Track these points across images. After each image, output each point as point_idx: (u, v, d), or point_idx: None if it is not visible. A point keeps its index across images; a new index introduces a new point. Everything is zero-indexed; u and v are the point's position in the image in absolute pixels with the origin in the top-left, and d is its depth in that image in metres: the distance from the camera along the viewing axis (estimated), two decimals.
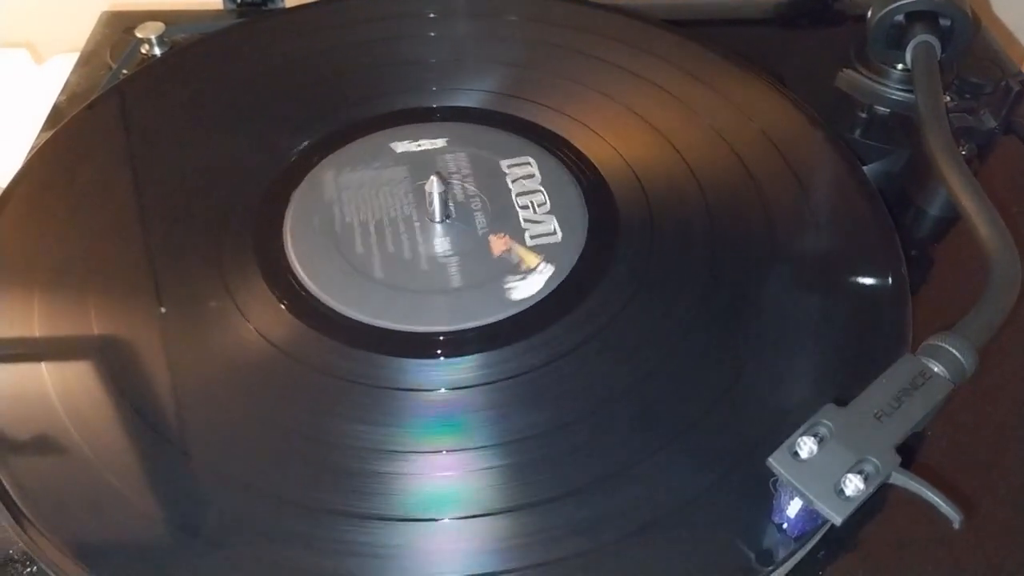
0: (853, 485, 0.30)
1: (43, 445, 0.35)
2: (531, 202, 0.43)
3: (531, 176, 0.45)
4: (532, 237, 0.42)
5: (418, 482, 0.33)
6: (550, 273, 0.40)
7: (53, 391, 0.36)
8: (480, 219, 0.43)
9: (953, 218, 0.48)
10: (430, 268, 0.41)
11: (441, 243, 0.42)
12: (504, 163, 0.45)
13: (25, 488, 0.33)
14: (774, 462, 0.30)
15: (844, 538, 0.34)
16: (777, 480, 0.31)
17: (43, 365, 0.37)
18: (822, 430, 0.31)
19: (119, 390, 0.36)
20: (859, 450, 0.30)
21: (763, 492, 0.32)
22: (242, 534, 0.32)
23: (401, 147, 0.46)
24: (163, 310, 0.39)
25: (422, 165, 0.45)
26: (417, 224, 0.43)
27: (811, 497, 0.30)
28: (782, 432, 0.31)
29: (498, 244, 0.41)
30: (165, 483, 0.34)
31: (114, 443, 0.35)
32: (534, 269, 0.40)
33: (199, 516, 0.32)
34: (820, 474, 0.30)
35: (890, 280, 0.40)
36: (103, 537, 0.32)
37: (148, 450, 0.34)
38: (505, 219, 0.43)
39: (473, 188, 0.44)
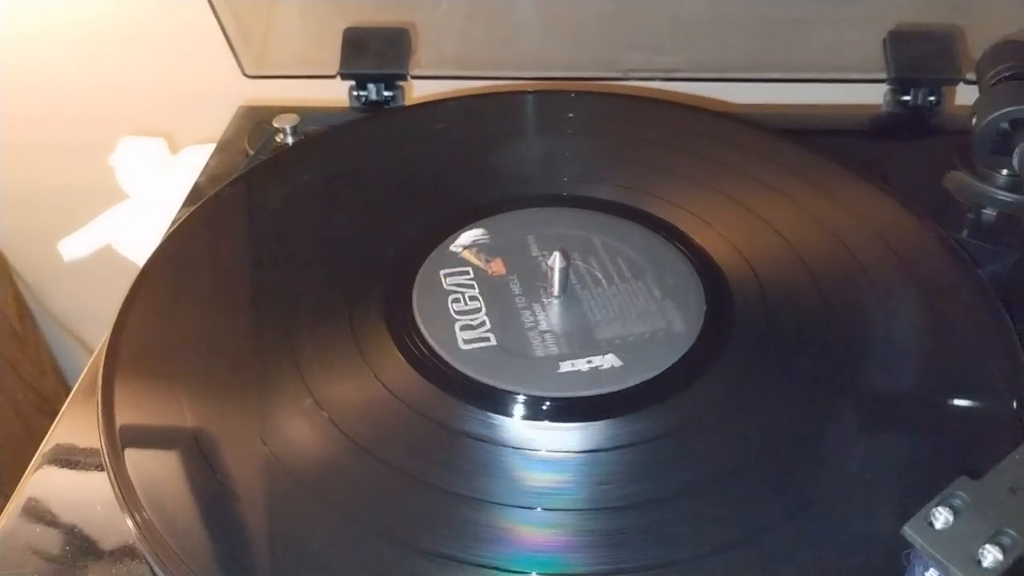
0: (992, 556, 0.30)
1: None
2: (649, 289, 0.45)
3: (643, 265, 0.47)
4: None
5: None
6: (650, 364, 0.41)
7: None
8: (594, 298, 0.45)
9: None
10: (536, 337, 0.42)
11: (555, 317, 0.44)
12: (623, 249, 0.48)
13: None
14: (910, 530, 0.31)
15: None
16: (911, 552, 0.31)
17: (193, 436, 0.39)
18: (956, 501, 0.31)
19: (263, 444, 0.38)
20: (996, 521, 0.30)
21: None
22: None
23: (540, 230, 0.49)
24: (308, 402, 0.40)
25: (548, 245, 0.48)
26: (543, 300, 0.45)
27: (950, 566, 0.30)
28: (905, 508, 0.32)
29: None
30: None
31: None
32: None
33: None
34: (957, 544, 0.30)
35: (1006, 360, 0.41)
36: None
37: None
38: (620, 302, 0.45)
39: (597, 271, 0.46)
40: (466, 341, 0.42)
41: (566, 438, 0.38)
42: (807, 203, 0.51)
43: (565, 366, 0.41)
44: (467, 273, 0.46)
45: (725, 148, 0.55)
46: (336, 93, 0.67)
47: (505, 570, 0.33)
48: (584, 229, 0.49)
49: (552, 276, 0.44)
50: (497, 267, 0.46)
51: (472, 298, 0.44)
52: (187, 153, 0.74)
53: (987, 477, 0.32)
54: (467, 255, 0.47)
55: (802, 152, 0.55)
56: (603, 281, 0.46)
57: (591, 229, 0.49)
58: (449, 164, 0.56)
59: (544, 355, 0.41)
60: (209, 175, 0.61)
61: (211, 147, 0.69)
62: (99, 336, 0.45)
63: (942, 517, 0.31)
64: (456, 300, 0.44)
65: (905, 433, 0.39)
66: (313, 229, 0.51)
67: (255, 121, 0.65)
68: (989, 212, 0.52)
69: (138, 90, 0.79)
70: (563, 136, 0.58)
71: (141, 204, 0.72)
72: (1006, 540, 0.30)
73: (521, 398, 0.39)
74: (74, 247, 0.71)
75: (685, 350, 0.42)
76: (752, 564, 0.34)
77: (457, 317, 0.43)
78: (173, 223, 0.55)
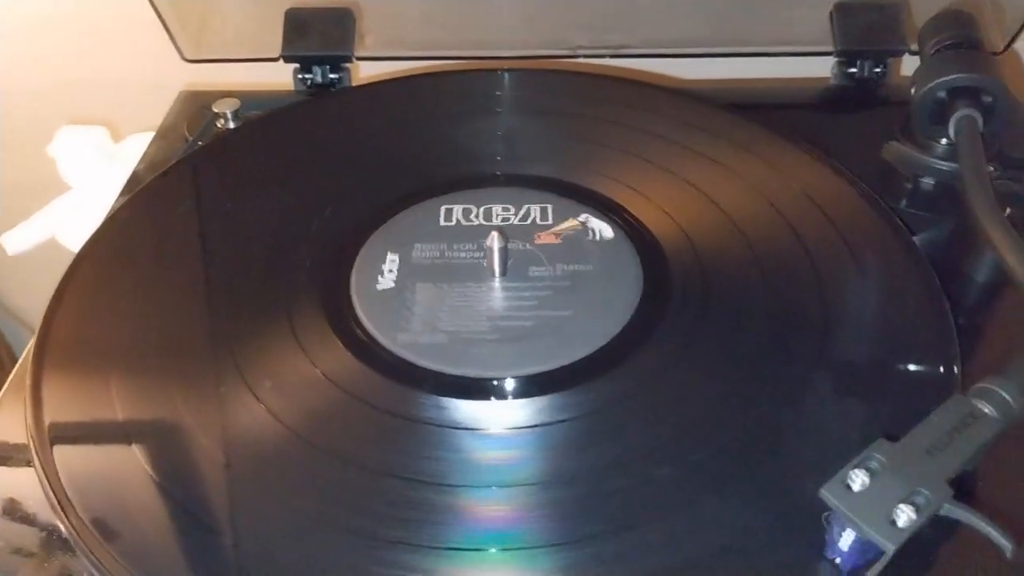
0: (905, 515, 0.30)
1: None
2: (588, 258, 0.45)
3: (586, 233, 0.47)
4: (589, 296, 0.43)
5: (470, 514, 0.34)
6: (605, 326, 0.42)
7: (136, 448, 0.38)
8: (537, 272, 0.45)
9: (997, 284, 0.48)
10: (491, 321, 0.42)
11: (502, 297, 0.43)
12: (557, 222, 0.47)
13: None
14: (827, 493, 0.31)
15: None
16: (830, 514, 0.31)
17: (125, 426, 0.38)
18: (874, 464, 0.31)
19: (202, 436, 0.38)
20: (911, 482, 0.31)
21: (814, 532, 0.32)
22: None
23: (456, 213, 0.49)
24: (268, 384, 0.40)
25: (477, 228, 0.47)
26: (482, 282, 0.44)
27: (864, 527, 0.30)
28: (833, 471, 0.32)
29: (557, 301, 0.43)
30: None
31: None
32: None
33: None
34: (873, 505, 0.30)
35: (937, 327, 0.41)
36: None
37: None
38: (561, 273, 0.44)
39: (530, 246, 0.46)
40: (419, 333, 0.41)
41: (530, 413, 0.38)
42: (744, 173, 0.51)
43: (513, 347, 0.41)
44: (401, 265, 0.46)
45: (658, 120, 0.55)
46: (283, 76, 0.66)
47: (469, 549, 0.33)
48: (508, 206, 0.49)
49: (492, 256, 0.44)
50: (432, 255, 0.46)
51: (414, 291, 0.44)
52: (130, 141, 0.73)
53: (904, 440, 0.32)
54: (400, 248, 0.46)
55: (739, 122, 0.55)
56: (540, 255, 0.45)
57: (514, 205, 0.49)
58: (389, 146, 0.56)
59: (493, 338, 0.41)
60: (148, 162, 0.60)
61: (154, 134, 0.68)
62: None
63: (859, 479, 0.31)
64: (398, 295, 0.44)
65: (838, 397, 0.39)
66: (248, 217, 0.50)
67: (196, 107, 0.64)
68: (927, 181, 0.52)
69: (77, 79, 0.78)
70: (499, 115, 0.58)
71: (84, 194, 0.71)
72: (920, 500, 0.30)
73: (479, 380, 0.39)
74: (17, 241, 0.70)
75: (627, 319, 0.42)
76: (694, 528, 0.34)
77: (405, 313, 0.43)
78: (109, 212, 0.55)
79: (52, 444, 0.37)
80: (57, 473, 0.36)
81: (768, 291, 0.44)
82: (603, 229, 0.47)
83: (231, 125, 0.60)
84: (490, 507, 0.35)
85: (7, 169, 0.81)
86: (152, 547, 0.34)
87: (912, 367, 0.40)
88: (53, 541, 0.36)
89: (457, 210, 0.49)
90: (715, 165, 0.52)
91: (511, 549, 0.33)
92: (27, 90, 0.79)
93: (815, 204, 0.48)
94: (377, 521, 0.34)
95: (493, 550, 0.33)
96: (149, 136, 0.69)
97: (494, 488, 0.35)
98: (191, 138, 0.59)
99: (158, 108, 0.67)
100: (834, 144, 0.57)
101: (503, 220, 0.48)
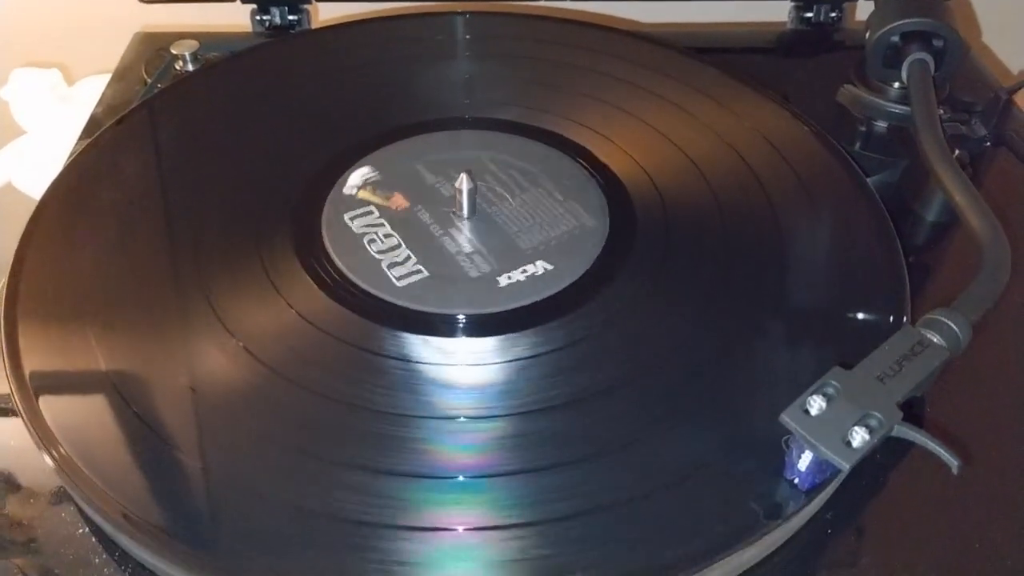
0: (860, 436, 0.32)
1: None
2: (551, 194, 0.46)
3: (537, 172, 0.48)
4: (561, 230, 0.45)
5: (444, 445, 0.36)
6: (576, 262, 0.43)
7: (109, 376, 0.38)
8: (504, 213, 0.45)
9: (946, 223, 0.50)
10: (464, 260, 0.43)
11: (474, 237, 0.44)
12: (516, 163, 0.48)
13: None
14: (787, 417, 0.32)
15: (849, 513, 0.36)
16: (789, 438, 0.33)
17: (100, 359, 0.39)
18: (830, 390, 0.33)
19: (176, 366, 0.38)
20: (864, 406, 0.32)
21: (772, 455, 0.34)
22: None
23: (429, 156, 0.49)
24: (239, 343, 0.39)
25: (441, 170, 0.48)
26: (453, 222, 0.45)
27: (821, 448, 0.32)
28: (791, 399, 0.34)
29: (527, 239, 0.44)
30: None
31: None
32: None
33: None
34: (829, 428, 0.32)
35: (888, 264, 0.43)
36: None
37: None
38: (529, 212, 0.45)
39: (498, 187, 0.47)
40: (399, 278, 0.42)
41: (499, 350, 0.39)
42: (701, 115, 0.52)
43: (503, 280, 0.42)
44: (372, 212, 0.46)
45: (619, 64, 0.56)
46: (239, 18, 0.65)
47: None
48: (473, 150, 0.49)
49: (461, 198, 0.44)
50: (398, 201, 0.46)
51: (387, 235, 0.44)
52: (84, 84, 0.72)
53: (858, 367, 0.34)
54: (364, 195, 0.47)
55: (696, 66, 0.56)
56: (506, 195, 0.46)
57: (480, 148, 0.49)
58: (351, 90, 0.55)
59: (479, 275, 0.42)
60: (106, 105, 0.59)
61: (109, 77, 0.67)
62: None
63: (816, 404, 0.33)
64: (372, 241, 0.44)
65: (794, 329, 0.41)
66: (213, 161, 0.50)
67: (153, 48, 0.63)
68: (880, 124, 0.54)
69: (29, 20, 0.75)
70: (460, 59, 0.59)
71: (39, 138, 0.70)
72: (873, 422, 0.32)
73: (477, 317, 0.40)
74: None
75: (604, 241, 0.43)
76: (656, 456, 0.35)
77: (380, 257, 0.43)
78: (70, 156, 0.54)
79: (36, 393, 0.37)
80: (42, 415, 0.36)
81: (726, 229, 0.45)
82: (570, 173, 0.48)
83: (189, 67, 0.60)
84: (457, 437, 0.36)
85: None
86: (132, 476, 0.34)
87: (864, 302, 0.42)
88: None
89: (425, 152, 0.49)
90: (675, 108, 0.52)
91: (477, 477, 0.34)
92: None
93: (772, 145, 0.50)
94: (342, 448, 0.35)
95: (460, 478, 0.34)
96: (103, 79, 0.68)
97: (461, 419, 0.36)
98: (150, 80, 0.58)
99: (112, 50, 0.66)
100: (791, 88, 0.59)
101: (470, 162, 0.48)
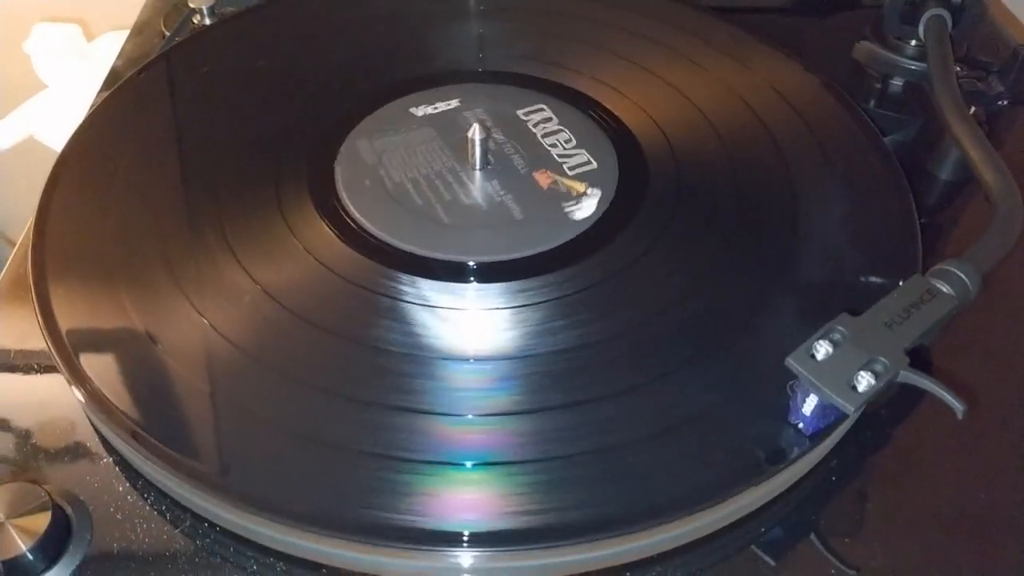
0: (865, 381, 0.32)
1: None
2: (557, 140, 0.47)
3: (549, 119, 0.48)
4: (570, 169, 0.45)
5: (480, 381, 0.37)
6: (599, 195, 0.44)
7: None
8: (518, 161, 0.46)
9: (960, 182, 0.50)
10: (491, 207, 0.43)
11: (492, 186, 0.44)
12: (520, 112, 0.49)
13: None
14: (793, 361, 0.33)
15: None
16: (795, 383, 0.34)
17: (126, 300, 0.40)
18: (836, 335, 0.33)
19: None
20: (871, 351, 0.33)
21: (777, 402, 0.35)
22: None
23: (420, 110, 0.50)
24: (247, 298, 0.40)
25: (446, 124, 0.48)
26: (463, 173, 0.45)
27: (827, 391, 0.32)
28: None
29: (543, 179, 0.44)
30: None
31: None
32: (584, 193, 0.44)
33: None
34: (835, 372, 0.32)
35: (901, 220, 0.43)
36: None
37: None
38: (540, 158, 0.46)
39: (501, 136, 0.47)
40: (399, 217, 0.43)
41: (509, 296, 0.40)
42: (717, 72, 0.52)
43: (494, 232, 0.42)
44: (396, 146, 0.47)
45: (638, 21, 0.56)
46: None
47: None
48: (484, 103, 0.50)
49: (473, 149, 0.45)
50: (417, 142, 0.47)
51: (395, 182, 0.45)
52: (103, 40, 0.73)
53: (865, 314, 0.34)
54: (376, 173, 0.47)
55: (713, 23, 0.56)
56: (521, 151, 0.47)
57: (492, 102, 0.50)
58: (369, 44, 0.56)
59: (475, 225, 0.43)
60: (125, 58, 0.60)
61: (127, 32, 0.68)
62: (16, 230, 0.45)
63: (823, 349, 0.33)
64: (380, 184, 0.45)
65: (801, 289, 0.41)
66: (233, 112, 0.50)
67: (170, 2, 0.64)
68: (896, 82, 0.54)
69: None
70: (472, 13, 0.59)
71: (60, 92, 0.71)
72: (878, 367, 0.32)
73: (456, 263, 0.41)
74: None
75: (604, 208, 0.44)
76: (665, 401, 0.36)
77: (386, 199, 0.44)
78: (90, 109, 0.54)
79: (71, 346, 0.38)
80: (85, 372, 0.37)
81: (740, 183, 0.45)
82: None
83: (207, 21, 0.60)
84: (466, 379, 0.37)
85: None
86: (161, 413, 0.35)
87: (877, 257, 0.42)
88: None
89: (439, 103, 0.50)
90: (691, 65, 0.53)
91: (486, 415, 0.35)
92: None
93: (786, 102, 0.50)
94: (356, 386, 0.36)
95: (470, 416, 0.35)
96: (122, 34, 0.68)
97: (472, 361, 0.37)
98: (168, 33, 0.59)
99: (130, 6, 0.66)
100: (807, 45, 0.59)
101: (487, 114, 0.49)
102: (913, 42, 0.53)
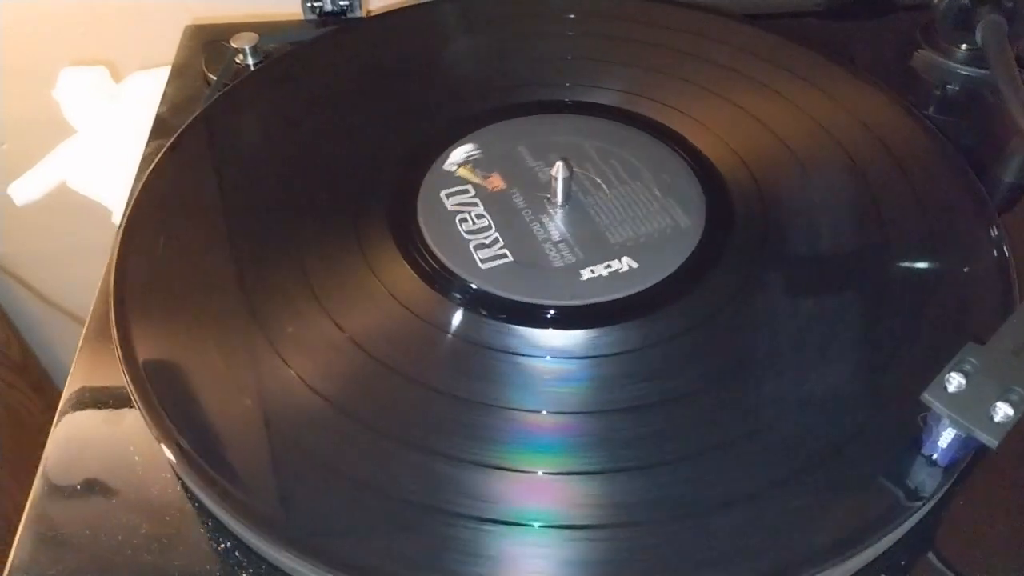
0: (1003, 412, 0.32)
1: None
2: (649, 189, 0.46)
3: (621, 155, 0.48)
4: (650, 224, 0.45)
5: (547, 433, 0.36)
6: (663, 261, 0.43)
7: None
8: (598, 203, 0.46)
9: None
10: (551, 248, 0.43)
11: (564, 226, 0.44)
12: (616, 152, 0.48)
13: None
14: (930, 396, 0.33)
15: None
16: (927, 415, 0.34)
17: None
18: (967, 366, 0.34)
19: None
20: (1004, 380, 0.33)
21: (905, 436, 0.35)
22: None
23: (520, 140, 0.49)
24: (290, 330, 0.40)
25: (542, 154, 0.48)
26: (542, 208, 0.45)
27: (967, 424, 0.32)
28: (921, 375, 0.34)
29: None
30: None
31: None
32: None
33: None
34: (971, 404, 0.33)
35: (993, 245, 0.43)
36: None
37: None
38: (624, 205, 0.45)
39: (596, 176, 0.47)
40: (484, 260, 0.42)
41: (599, 342, 0.39)
42: (791, 94, 0.51)
43: (585, 273, 0.42)
44: (467, 191, 0.46)
45: (715, 47, 0.55)
46: (281, 6, 0.65)
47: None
48: (575, 135, 0.49)
49: (556, 185, 0.45)
50: (495, 182, 0.47)
51: (479, 216, 0.45)
52: (131, 80, 0.71)
53: (991, 342, 0.34)
54: (463, 173, 0.47)
55: (798, 51, 0.55)
56: (602, 185, 0.46)
57: (583, 135, 0.49)
58: (434, 74, 0.55)
59: (562, 265, 0.42)
60: (169, 104, 0.59)
61: (156, 72, 0.66)
62: (45, 278, 0.44)
63: (955, 381, 0.33)
64: (463, 220, 0.44)
65: (911, 307, 0.41)
66: (300, 154, 0.50)
67: (204, 41, 0.63)
68: (952, 87, 0.54)
69: (71, 16, 0.74)
70: (522, 38, 0.58)
71: (90, 137, 0.70)
72: (1014, 397, 0.33)
73: (551, 309, 0.40)
74: (26, 189, 0.68)
75: (694, 244, 0.43)
76: (776, 446, 0.36)
77: (469, 237, 0.43)
78: (144, 154, 0.54)
79: (151, 385, 0.38)
80: (159, 409, 0.37)
81: (825, 210, 0.45)
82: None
83: (250, 60, 0.59)
84: (556, 425, 0.36)
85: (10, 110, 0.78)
86: (247, 467, 0.35)
87: (973, 274, 0.42)
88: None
89: (521, 138, 0.49)
90: (775, 95, 0.52)
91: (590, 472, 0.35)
92: (23, 27, 0.75)
93: (868, 128, 0.49)
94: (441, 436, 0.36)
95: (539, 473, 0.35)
96: (152, 74, 0.67)
97: (568, 414, 0.37)
98: (215, 77, 0.58)
99: (156, 44, 0.65)
100: (856, 51, 0.59)
101: (571, 148, 0.48)
102: (964, 46, 0.54)
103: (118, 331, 0.40)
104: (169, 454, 0.36)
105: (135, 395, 0.37)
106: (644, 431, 0.36)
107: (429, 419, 0.36)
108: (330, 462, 0.35)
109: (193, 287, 0.42)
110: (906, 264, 0.43)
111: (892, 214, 0.45)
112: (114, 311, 0.41)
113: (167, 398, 0.37)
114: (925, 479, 0.34)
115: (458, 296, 0.41)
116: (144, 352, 0.39)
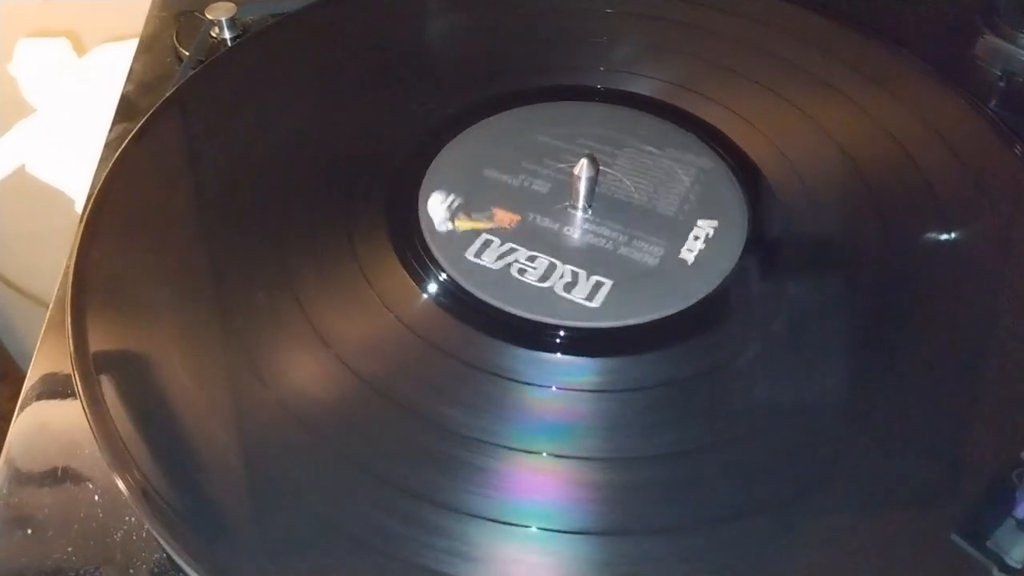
0: None
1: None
2: (687, 197, 0.40)
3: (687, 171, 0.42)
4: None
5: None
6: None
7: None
8: (627, 205, 0.40)
9: None
10: (627, 249, 0.38)
11: (608, 222, 0.39)
12: (652, 151, 0.42)
13: None
14: None
15: None
16: (1020, 471, 0.29)
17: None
18: None
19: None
20: None
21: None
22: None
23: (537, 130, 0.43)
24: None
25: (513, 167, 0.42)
26: (570, 218, 0.40)
27: None
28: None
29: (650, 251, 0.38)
30: None
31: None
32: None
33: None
34: None
35: None
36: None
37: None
38: (653, 215, 0.40)
39: (621, 175, 0.41)
40: (586, 298, 0.36)
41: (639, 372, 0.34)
42: (847, 90, 0.46)
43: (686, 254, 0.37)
44: (492, 242, 0.38)
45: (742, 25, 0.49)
46: None
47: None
48: (538, 132, 0.44)
49: (578, 186, 0.39)
50: (503, 216, 0.40)
51: (530, 259, 0.37)
52: (96, 53, 0.65)
53: None
54: (465, 226, 0.39)
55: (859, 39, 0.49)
56: (633, 190, 0.41)
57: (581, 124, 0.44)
58: (431, 56, 0.49)
59: (658, 260, 0.37)
60: (136, 82, 0.53)
61: (123, 44, 0.61)
62: (7, 262, 0.39)
63: None
64: (523, 271, 0.37)
65: (987, 342, 0.36)
66: (281, 144, 0.44)
67: (175, 12, 0.56)
68: (1017, 78, 0.49)
69: None
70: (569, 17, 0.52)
71: (51, 116, 0.63)
72: None
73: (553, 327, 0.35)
74: None
75: (731, 267, 0.37)
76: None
77: (544, 285, 0.37)
78: (109, 145, 0.48)
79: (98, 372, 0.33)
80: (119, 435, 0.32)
81: (892, 226, 0.40)
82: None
83: (227, 35, 0.53)
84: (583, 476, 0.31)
85: None
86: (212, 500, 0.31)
87: None
88: None
89: (538, 127, 0.43)
90: (821, 86, 0.46)
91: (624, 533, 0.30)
92: None
93: (935, 131, 0.43)
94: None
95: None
96: (118, 47, 0.61)
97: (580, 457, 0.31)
98: (187, 53, 0.51)
99: (123, 15, 0.59)
100: (904, 37, 0.53)
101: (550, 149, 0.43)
102: None
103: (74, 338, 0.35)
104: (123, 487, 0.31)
105: (80, 389, 0.33)
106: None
107: None
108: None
109: (159, 285, 0.37)
110: (976, 291, 0.38)
111: (959, 226, 0.40)
112: (71, 317, 0.36)
113: (115, 394, 0.33)
114: (1018, 545, 0.29)
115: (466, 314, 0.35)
116: (99, 348, 0.34)
